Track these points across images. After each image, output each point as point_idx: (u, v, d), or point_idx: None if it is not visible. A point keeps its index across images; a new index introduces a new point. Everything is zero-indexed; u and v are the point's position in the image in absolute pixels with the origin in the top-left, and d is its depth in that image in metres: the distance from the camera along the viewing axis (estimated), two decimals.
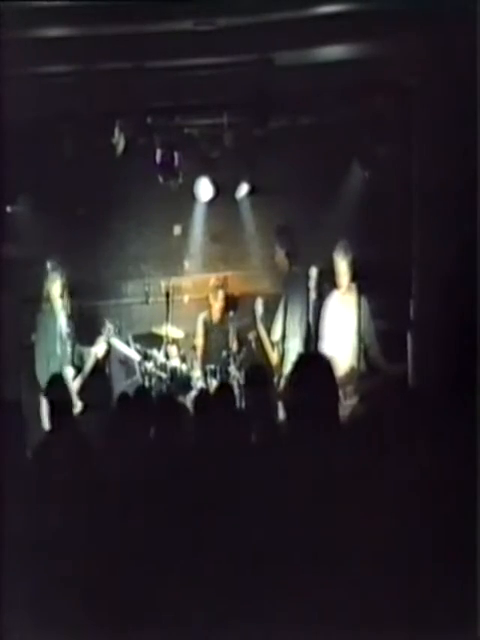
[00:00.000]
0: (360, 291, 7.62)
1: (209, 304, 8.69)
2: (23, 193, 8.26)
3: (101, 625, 3.29)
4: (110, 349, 8.18)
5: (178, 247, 9.18)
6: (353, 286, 7.64)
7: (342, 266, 7.68)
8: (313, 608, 3.18)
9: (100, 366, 8.10)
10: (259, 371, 5.76)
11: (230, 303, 8.75)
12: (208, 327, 8.66)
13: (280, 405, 7.41)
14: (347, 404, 7.19)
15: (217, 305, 8.62)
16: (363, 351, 7.48)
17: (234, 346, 8.45)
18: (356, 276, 7.62)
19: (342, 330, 7.63)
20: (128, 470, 3.74)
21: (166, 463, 3.74)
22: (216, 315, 8.63)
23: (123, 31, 6.67)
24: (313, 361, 4.24)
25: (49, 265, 8.05)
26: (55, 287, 8.00)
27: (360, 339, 7.49)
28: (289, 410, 3.91)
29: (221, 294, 8.62)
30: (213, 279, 8.75)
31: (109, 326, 8.07)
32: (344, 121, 7.98)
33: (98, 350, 7.98)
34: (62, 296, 8.03)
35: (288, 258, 8.16)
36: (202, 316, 8.71)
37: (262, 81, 7.23)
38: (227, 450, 3.83)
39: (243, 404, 6.11)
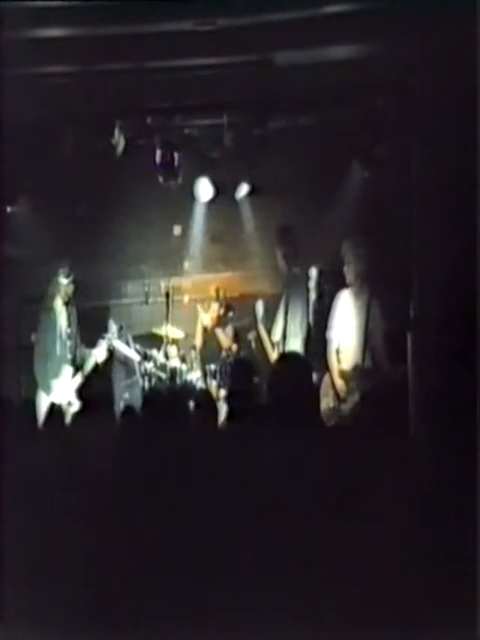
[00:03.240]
0: (371, 292, 7.59)
1: (206, 307, 8.67)
2: (23, 193, 8.25)
3: (101, 625, 3.29)
4: (112, 353, 8.18)
5: (178, 247, 9.18)
6: (364, 286, 7.63)
7: (354, 265, 7.65)
8: (312, 608, 3.17)
9: (100, 368, 8.10)
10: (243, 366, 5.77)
11: (230, 304, 8.74)
12: (205, 329, 8.65)
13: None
14: (349, 401, 7.22)
15: (212, 313, 8.62)
16: (370, 351, 7.47)
17: (234, 347, 8.44)
18: (365, 276, 7.60)
19: (350, 326, 7.62)
20: (127, 469, 3.73)
21: (165, 462, 3.74)
22: (211, 321, 8.62)
23: (123, 31, 6.66)
24: (291, 361, 4.25)
25: (53, 265, 8.04)
26: (58, 287, 7.99)
27: (367, 339, 7.48)
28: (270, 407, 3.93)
29: (215, 306, 8.62)
30: (211, 290, 8.70)
31: (113, 329, 8.06)
32: (344, 121, 7.98)
33: (99, 353, 7.98)
34: (64, 296, 8.03)
35: (288, 258, 8.16)
36: (200, 317, 8.71)
37: (262, 81, 7.22)
38: (227, 449, 3.83)
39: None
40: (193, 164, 8.54)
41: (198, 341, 8.69)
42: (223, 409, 5.91)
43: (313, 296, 7.92)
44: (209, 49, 6.90)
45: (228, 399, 5.67)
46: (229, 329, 8.57)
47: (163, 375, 8.30)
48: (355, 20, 6.52)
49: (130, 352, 8.39)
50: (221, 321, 8.62)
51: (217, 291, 8.70)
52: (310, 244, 8.17)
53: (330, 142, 8.05)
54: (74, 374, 7.96)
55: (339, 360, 7.56)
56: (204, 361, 8.47)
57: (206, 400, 4.77)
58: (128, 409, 5.58)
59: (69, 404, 7.71)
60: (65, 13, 6.37)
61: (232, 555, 3.31)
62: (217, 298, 8.66)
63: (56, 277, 7.96)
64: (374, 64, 6.99)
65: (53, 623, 3.29)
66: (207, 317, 8.61)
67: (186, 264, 9.09)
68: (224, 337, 8.53)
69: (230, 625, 3.20)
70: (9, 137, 6.78)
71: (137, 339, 8.51)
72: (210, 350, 8.54)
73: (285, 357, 5.04)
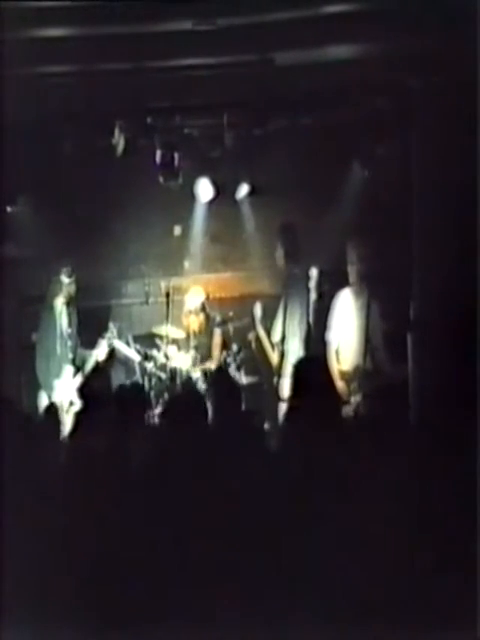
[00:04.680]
0: (370, 292, 7.59)
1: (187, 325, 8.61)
2: (23, 193, 8.25)
3: (101, 625, 3.29)
4: (112, 352, 8.17)
5: (178, 247, 9.17)
6: (364, 286, 7.63)
7: (354, 265, 7.64)
8: (313, 607, 3.18)
9: (101, 367, 8.10)
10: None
11: (229, 304, 8.72)
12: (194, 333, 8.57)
13: (280, 406, 7.48)
14: (352, 401, 7.22)
15: (197, 321, 8.54)
16: (370, 352, 7.47)
17: (234, 347, 8.42)
18: (365, 276, 7.59)
19: (350, 327, 7.62)
20: (128, 469, 3.74)
21: (167, 462, 3.74)
22: (199, 327, 8.55)
23: (123, 31, 6.65)
24: (310, 364, 4.25)
25: (55, 264, 8.04)
26: (60, 286, 7.98)
27: (367, 339, 7.47)
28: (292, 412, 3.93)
29: (201, 316, 8.54)
30: (186, 310, 8.61)
31: (113, 329, 8.07)
32: (344, 121, 7.97)
33: (99, 353, 7.98)
34: (66, 296, 8.03)
35: (289, 258, 8.14)
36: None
37: (262, 81, 7.22)
38: (229, 449, 3.83)
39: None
40: (193, 164, 8.53)
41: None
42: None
43: (313, 296, 7.91)
44: (209, 49, 6.90)
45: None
46: (218, 335, 8.52)
47: (163, 375, 8.29)
48: (355, 20, 6.51)
49: (130, 352, 8.39)
50: (206, 326, 8.55)
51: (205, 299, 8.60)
52: (310, 244, 8.17)
53: (330, 142, 8.04)
54: (75, 374, 7.97)
55: (339, 361, 7.56)
56: (204, 362, 8.46)
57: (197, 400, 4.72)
58: None
59: (71, 403, 7.72)
60: (65, 13, 6.37)
61: (234, 554, 3.32)
62: (202, 307, 8.56)
63: (58, 276, 7.97)
64: (374, 64, 6.99)
65: (53, 623, 3.29)
66: (195, 322, 8.56)
67: (186, 264, 9.08)
68: (217, 342, 8.50)
69: (230, 625, 3.20)
70: (9, 137, 6.79)
71: (137, 339, 8.51)
72: (204, 353, 8.51)
73: (305, 361, 5.03)
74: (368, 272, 7.59)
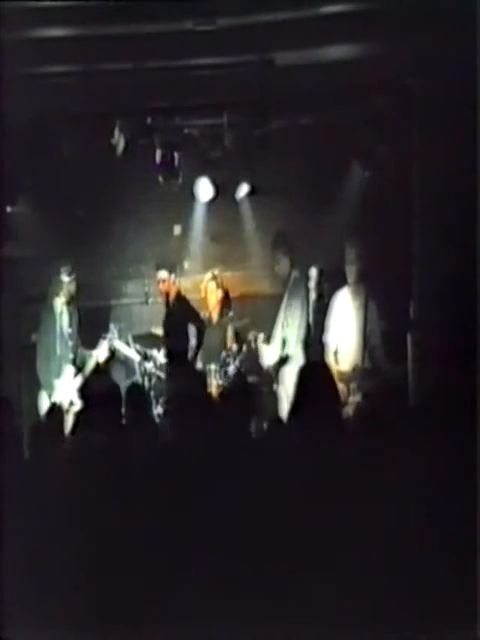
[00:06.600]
0: (368, 291, 7.59)
1: (206, 304, 8.61)
2: (23, 193, 8.25)
3: (101, 625, 3.29)
4: (113, 353, 8.17)
5: (178, 247, 9.17)
6: (361, 285, 7.63)
7: (353, 264, 7.64)
8: (313, 607, 3.18)
9: (101, 368, 8.10)
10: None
11: (230, 303, 8.72)
12: (205, 327, 8.59)
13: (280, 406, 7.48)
14: (351, 401, 7.21)
15: (214, 295, 8.53)
16: (368, 351, 7.47)
17: (234, 346, 8.41)
18: (364, 275, 7.59)
19: (348, 327, 7.62)
20: (128, 469, 3.74)
21: (167, 462, 3.74)
22: (214, 314, 8.57)
23: (123, 31, 6.66)
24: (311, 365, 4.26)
25: (55, 264, 8.04)
26: (60, 285, 7.98)
27: (366, 339, 7.47)
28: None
29: (219, 292, 8.52)
30: (206, 278, 8.62)
31: (114, 330, 8.06)
32: (344, 121, 7.98)
33: (100, 353, 7.98)
34: (66, 295, 8.02)
35: (288, 258, 8.14)
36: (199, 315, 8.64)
37: (262, 81, 7.22)
38: (230, 449, 3.84)
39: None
40: (193, 164, 8.53)
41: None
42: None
43: (313, 296, 7.91)
44: (209, 49, 6.90)
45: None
46: (230, 329, 8.53)
47: (163, 375, 8.28)
48: (355, 20, 6.52)
49: (130, 352, 8.39)
50: (224, 307, 8.53)
51: (215, 277, 8.58)
52: (310, 244, 8.17)
53: (330, 142, 8.05)
54: (76, 374, 7.97)
55: (337, 361, 7.56)
56: (205, 360, 8.45)
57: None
58: None
59: (71, 403, 7.72)
60: (65, 13, 6.37)
61: (234, 554, 3.32)
62: (215, 280, 8.53)
63: (58, 276, 7.96)
64: (374, 64, 6.99)
65: (53, 623, 3.29)
66: (213, 294, 8.53)
67: (186, 264, 9.08)
68: (230, 335, 8.49)
69: (230, 625, 3.20)
70: (9, 137, 6.79)
71: (137, 339, 8.50)
72: (211, 348, 8.49)
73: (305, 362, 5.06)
74: (366, 271, 7.59)
